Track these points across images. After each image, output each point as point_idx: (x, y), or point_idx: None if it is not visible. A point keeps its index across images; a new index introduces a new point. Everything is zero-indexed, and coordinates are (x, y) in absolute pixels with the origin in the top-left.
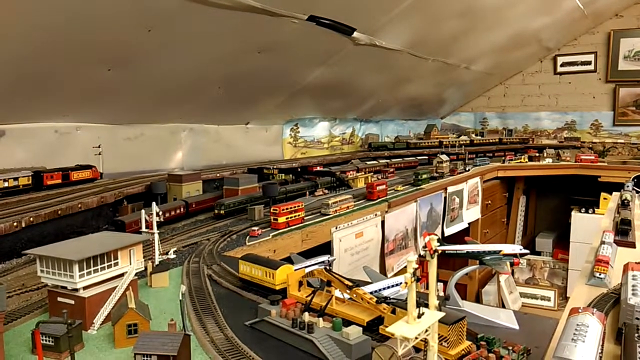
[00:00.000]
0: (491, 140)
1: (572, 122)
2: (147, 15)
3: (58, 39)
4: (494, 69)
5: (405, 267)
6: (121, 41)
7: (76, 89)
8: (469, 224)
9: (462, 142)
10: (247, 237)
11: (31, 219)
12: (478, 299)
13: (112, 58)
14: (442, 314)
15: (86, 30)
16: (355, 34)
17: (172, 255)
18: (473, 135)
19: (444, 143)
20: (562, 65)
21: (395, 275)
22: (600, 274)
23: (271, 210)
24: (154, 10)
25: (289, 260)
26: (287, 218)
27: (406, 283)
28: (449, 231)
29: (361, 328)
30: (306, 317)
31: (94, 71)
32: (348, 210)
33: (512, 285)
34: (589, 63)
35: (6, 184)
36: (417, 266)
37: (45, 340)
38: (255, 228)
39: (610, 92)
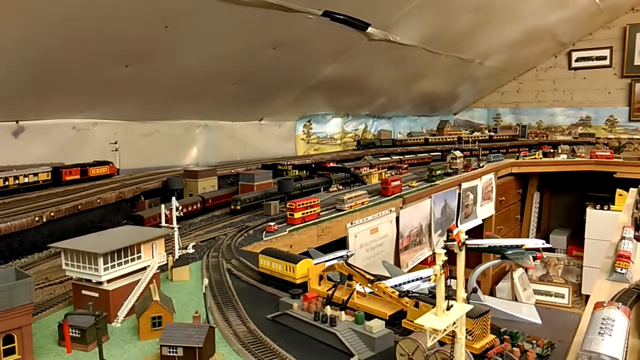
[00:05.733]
0: (482, 137)
1: (587, 117)
2: (165, 12)
3: (76, 35)
4: (507, 64)
5: (420, 263)
6: (139, 38)
7: (94, 85)
8: (482, 220)
9: (450, 140)
10: (264, 233)
11: (52, 213)
12: (492, 296)
13: (130, 54)
14: (470, 307)
15: (104, 27)
16: (369, 29)
17: (190, 250)
18: (486, 131)
19: (429, 140)
20: (576, 61)
21: (410, 271)
22: (621, 269)
23: (287, 206)
24: (171, 7)
25: (306, 255)
26: (303, 213)
27: (435, 275)
28: (462, 228)
29: (384, 322)
30: (328, 310)
31: (112, 67)
32: (363, 206)
33: (525, 282)
34: (604, 58)
35: (26, 180)
36: (445, 258)
37: (72, 332)
38: (272, 223)
39: (626, 87)
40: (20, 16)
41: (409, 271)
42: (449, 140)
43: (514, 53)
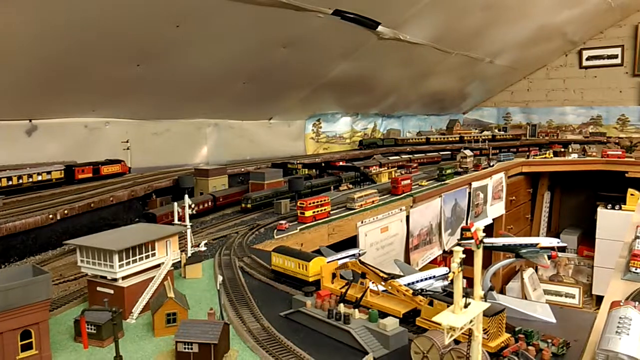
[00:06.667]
0: (485, 137)
1: (597, 117)
2: (176, 11)
3: (88, 35)
4: (517, 63)
5: (429, 262)
6: (150, 37)
7: (106, 85)
8: (493, 219)
9: (452, 139)
10: (275, 231)
11: (66, 211)
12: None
13: (142, 54)
14: (487, 305)
15: (116, 26)
16: (379, 28)
17: (203, 248)
18: (496, 131)
19: (431, 140)
20: (587, 59)
21: (420, 270)
22: (636, 269)
23: (298, 204)
24: (183, 6)
25: (318, 253)
26: (313, 212)
27: (453, 273)
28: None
29: (398, 319)
30: (342, 308)
31: (124, 67)
32: (373, 205)
33: (535, 282)
34: (615, 57)
35: (40, 178)
36: (463, 256)
37: (88, 328)
38: (283, 222)
39: (637, 86)
40: (32, 16)
41: (420, 270)
42: (450, 139)
43: (524, 52)
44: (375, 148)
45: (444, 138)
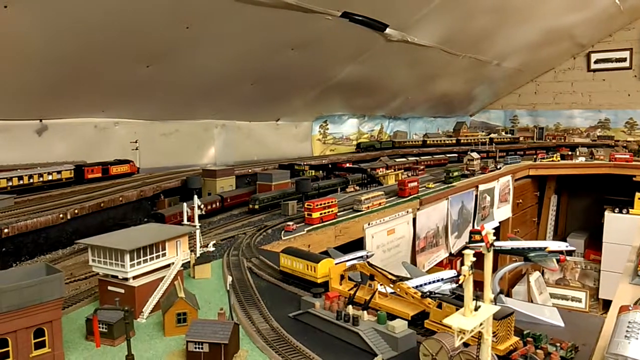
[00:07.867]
0: (482, 140)
1: (605, 120)
2: (186, 13)
3: (99, 36)
4: (525, 65)
5: (436, 264)
6: (160, 38)
7: (115, 85)
8: (499, 222)
9: (449, 142)
10: (283, 232)
11: (76, 211)
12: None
13: (151, 55)
14: (497, 308)
15: (127, 27)
16: (387, 30)
17: (211, 248)
18: (503, 134)
19: (427, 142)
20: (596, 62)
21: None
22: None
23: (305, 206)
24: (192, 8)
25: (325, 254)
26: (321, 213)
27: (464, 276)
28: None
29: (406, 322)
30: (350, 310)
31: (133, 68)
32: (380, 207)
33: (542, 285)
34: (624, 60)
35: (50, 177)
36: (474, 259)
37: (99, 327)
38: (290, 223)
39: None
40: (42, 18)
41: (427, 273)
42: (447, 142)
43: (532, 54)
44: (372, 151)
45: (441, 141)
